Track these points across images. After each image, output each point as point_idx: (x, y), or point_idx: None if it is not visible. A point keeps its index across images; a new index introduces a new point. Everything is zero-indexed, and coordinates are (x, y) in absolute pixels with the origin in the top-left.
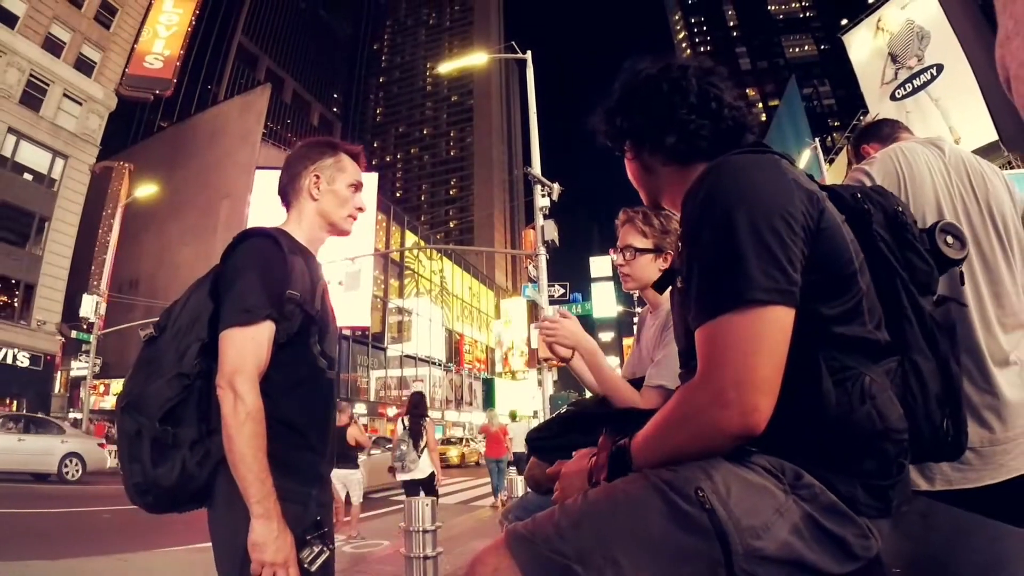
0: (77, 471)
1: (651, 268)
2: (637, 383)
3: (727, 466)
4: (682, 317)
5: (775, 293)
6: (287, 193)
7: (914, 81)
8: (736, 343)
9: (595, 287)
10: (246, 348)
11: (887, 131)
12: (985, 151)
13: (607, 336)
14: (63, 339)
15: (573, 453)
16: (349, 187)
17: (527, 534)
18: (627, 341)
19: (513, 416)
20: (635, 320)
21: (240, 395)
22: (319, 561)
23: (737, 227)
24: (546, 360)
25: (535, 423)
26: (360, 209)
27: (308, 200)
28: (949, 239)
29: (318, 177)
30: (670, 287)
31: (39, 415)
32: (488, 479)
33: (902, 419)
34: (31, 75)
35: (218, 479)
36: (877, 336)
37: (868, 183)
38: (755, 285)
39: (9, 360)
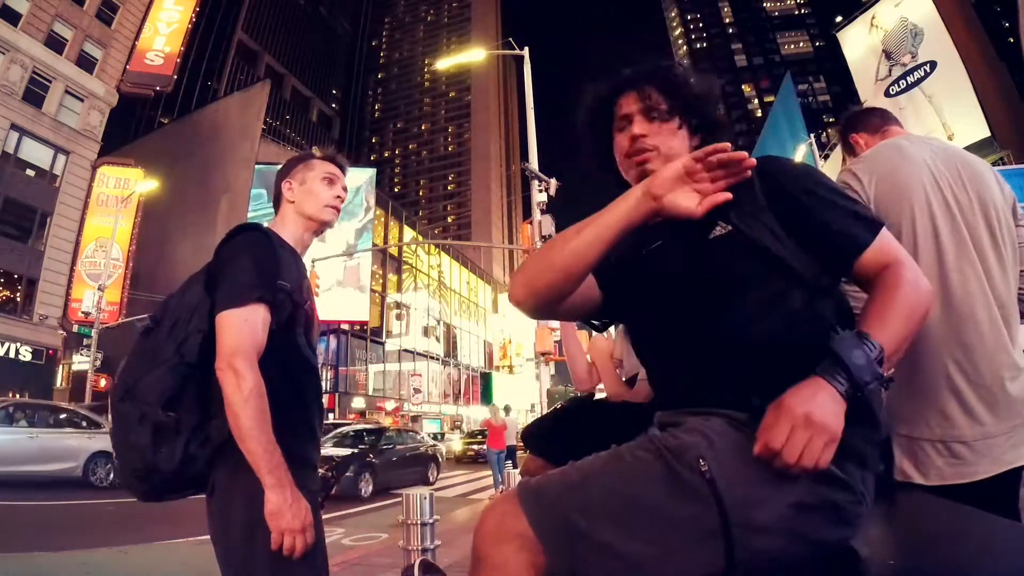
0: (108, 474)
1: None
2: (631, 381)
3: (730, 434)
4: (709, 297)
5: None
6: (275, 205)
7: (908, 78)
8: (897, 247)
9: None
10: (242, 329)
11: (877, 122)
12: (978, 147)
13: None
14: (64, 333)
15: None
16: (321, 181)
17: (537, 486)
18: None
19: (507, 410)
20: None
21: (241, 373)
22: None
23: (831, 183)
24: (544, 354)
25: (530, 417)
26: (339, 198)
27: (286, 204)
28: None
29: (291, 183)
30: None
31: (58, 404)
32: (487, 472)
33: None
34: (33, 72)
35: (216, 465)
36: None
37: (856, 184)
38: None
39: (11, 354)
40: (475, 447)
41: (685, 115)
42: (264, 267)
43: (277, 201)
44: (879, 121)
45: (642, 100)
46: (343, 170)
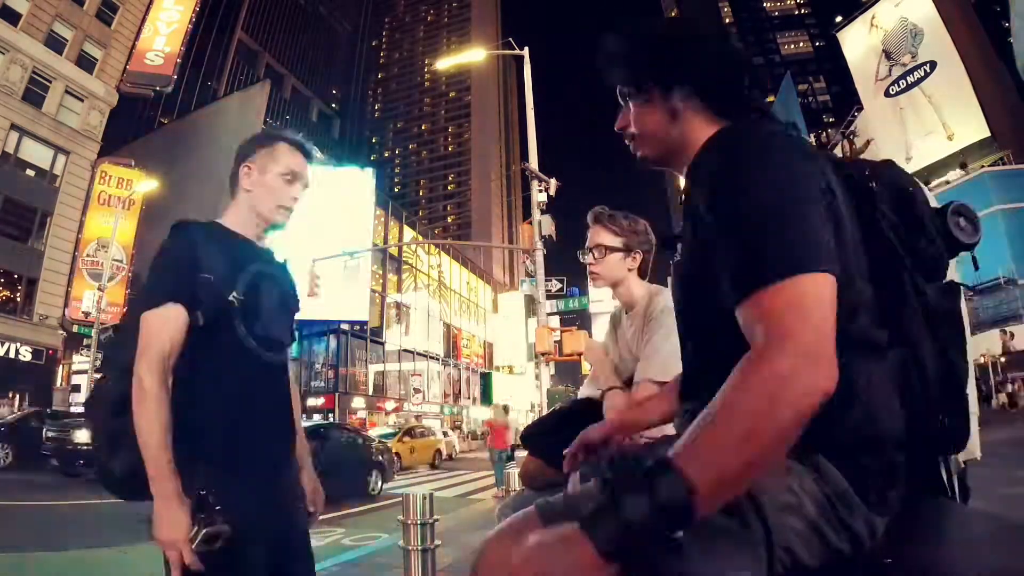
0: None
1: (620, 267)
2: (629, 383)
3: None
4: (690, 288)
5: (822, 261)
6: (231, 186)
7: (908, 78)
8: (803, 305)
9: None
10: (149, 331)
11: None
12: (978, 147)
13: (603, 329)
14: (64, 333)
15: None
16: (281, 176)
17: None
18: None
19: (506, 410)
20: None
21: (140, 378)
22: (197, 539)
23: (782, 195)
24: (544, 354)
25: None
26: (295, 199)
27: (242, 192)
28: (962, 221)
29: (250, 168)
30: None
31: None
32: (488, 472)
33: (898, 429)
34: (33, 72)
35: None
36: (875, 334)
37: None
38: (813, 253)
39: (11, 354)
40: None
41: (656, 85)
42: (177, 265)
43: (233, 183)
44: None
45: (616, 88)
46: (309, 159)
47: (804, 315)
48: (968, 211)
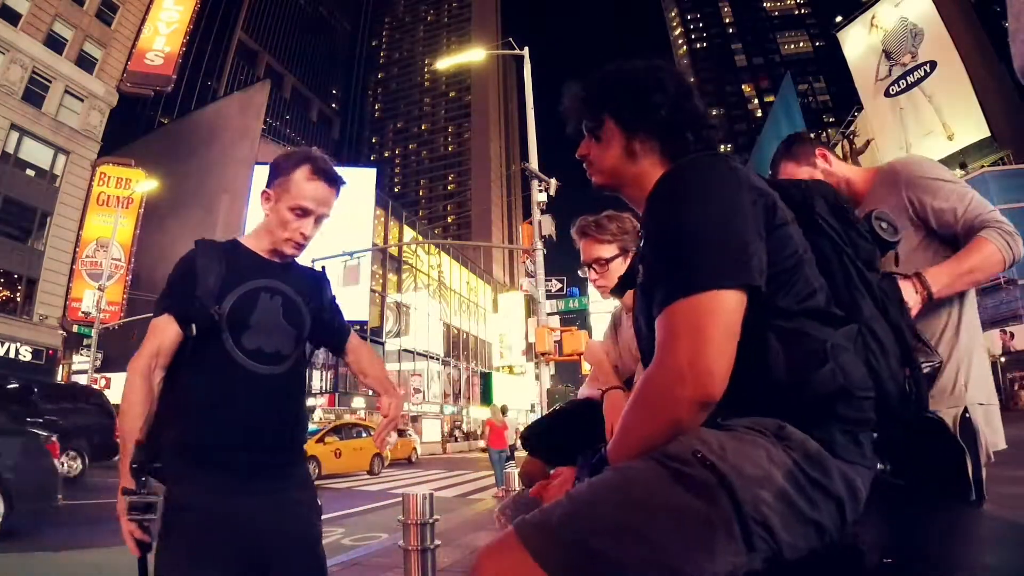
0: None
1: (623, 270)
2: (628, 383)
3: (715, 432)
4: (644, 312)
5: (722, 279)
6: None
7: (908, 78)
8: (686, 324)
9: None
10: (147, 335)
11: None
12: (978, 147)
13: (603, 329)
14: (64, 333)
15: (551, 471)
16: (290, 210)
17: (538, 522)
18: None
19: (504, 411)
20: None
21: (128, 372)
22: (128, 508)
23: (693, 222)
24: (544, 354)
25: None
26: (304, 235)
27: (265, 215)
28: (884, 225)
29: (269, 194)
30: (632, 287)
31: None
32: (488, 472)
33: (866, 378)
34: (33, 72)
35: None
36: (832, 309)
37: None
38: (703, 273)
39: (11, 354)
40: None
41: (617, 125)
42: (175, 280)
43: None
44: (810, 147)
45: (581, 124)
46: (335, 186)
47: (682, 336)
48: (887, 216)
